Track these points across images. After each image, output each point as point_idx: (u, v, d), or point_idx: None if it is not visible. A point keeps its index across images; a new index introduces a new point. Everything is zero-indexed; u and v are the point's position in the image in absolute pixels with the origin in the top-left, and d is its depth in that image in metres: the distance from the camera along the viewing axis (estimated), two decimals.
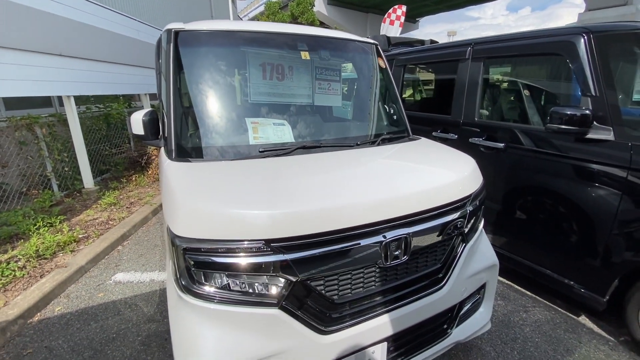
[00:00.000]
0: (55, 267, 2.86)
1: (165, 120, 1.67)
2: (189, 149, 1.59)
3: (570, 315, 2.36)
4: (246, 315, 1.13)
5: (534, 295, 2.57)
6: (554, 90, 2.66)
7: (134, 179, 5.42)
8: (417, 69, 4.41)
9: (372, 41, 2.40)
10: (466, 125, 2.86)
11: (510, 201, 2.56)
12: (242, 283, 1.13)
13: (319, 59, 2.09)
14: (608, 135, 1.97)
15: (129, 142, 6.74)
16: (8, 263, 2.82)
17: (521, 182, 2.47)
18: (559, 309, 2.42)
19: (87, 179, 4.80)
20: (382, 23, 9.09)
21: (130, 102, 7.24)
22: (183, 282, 1.13)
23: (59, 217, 3.76)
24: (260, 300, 1.14)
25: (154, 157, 5.69)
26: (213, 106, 1.78)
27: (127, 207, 4.32)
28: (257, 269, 1.11)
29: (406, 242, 1.30)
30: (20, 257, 2.92)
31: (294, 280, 1.14)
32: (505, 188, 2.57)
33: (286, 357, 1.18)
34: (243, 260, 1.09)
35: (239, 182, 1.34)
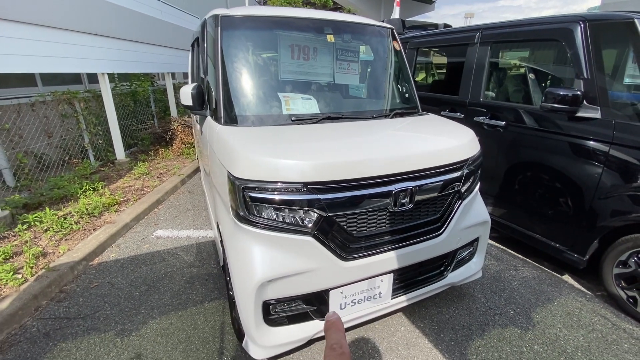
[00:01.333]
0: (105, 223, 3.30)
1: (214, 93, 2.00)
2: (235, 117, 1.92)
3: (555, 274, 2.69)
4: (287, 240, 1.49)
5: (525, 258, 2.90)
6: (551, 73, 2.89)
7: (160, 152, 5.84)
8: (430, 52, 4.60)
9: (388, 25, 2.65)
10: (472, 106, 3.12)
11: (509, 174, 2.84)
12: (284, 215, 1.48)
13: (341, 41, 2.37)
14: (595, 113, 2.23)
15: (153, 119, 7.15)
16: (65, 218, 3.27)
17: (519, 157, 2.75)
18: (545, 269, 2.74)
19: (119, 151, 5.22)
20: (395, 6, 9.21)
21: (152, 80, 7.59)
22: (240, 213, 1.49)
23: (100, 183, 4.20)
24: (297, 229, 1.49)
25: (178, 132, 6.07)
26: (253, 81, 2.11)
27: (157, 177, 4.74)
28: (296, 204, 1.46)
29: (411, 193, 1.63)
30: (74, 213, 3.36)
31: (324, 215, 1.49)
32: (505, 162, 2.85)
33: (315, 275, 1.54)
34: (286, 197, 1.44)
35: (279, 140, 1.68)
